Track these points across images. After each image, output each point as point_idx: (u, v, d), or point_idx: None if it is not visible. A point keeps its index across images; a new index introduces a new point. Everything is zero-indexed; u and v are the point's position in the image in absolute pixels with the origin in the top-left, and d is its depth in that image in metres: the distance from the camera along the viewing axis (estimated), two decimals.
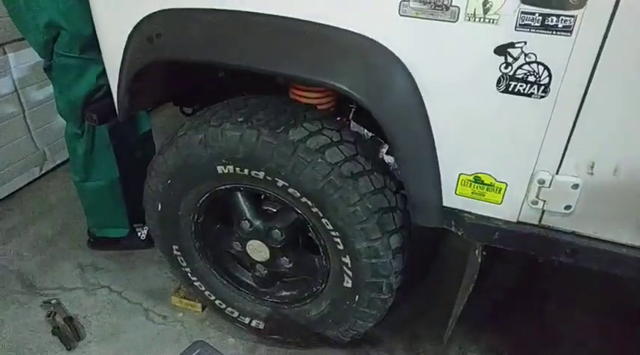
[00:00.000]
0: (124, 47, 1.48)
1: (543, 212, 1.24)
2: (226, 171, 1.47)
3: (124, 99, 1.61)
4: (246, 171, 1.44)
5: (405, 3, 1.10)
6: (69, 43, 1.78)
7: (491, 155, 1.22)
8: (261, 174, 1.42)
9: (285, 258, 1.68)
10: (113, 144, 2.09)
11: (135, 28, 1.43)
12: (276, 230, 1.60)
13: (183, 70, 1.70)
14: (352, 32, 1.18)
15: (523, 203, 1.25)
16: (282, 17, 1.23)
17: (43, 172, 2.98)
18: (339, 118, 1.68)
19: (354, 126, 1.69)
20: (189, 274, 1.88)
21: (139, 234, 2.37)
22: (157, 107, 2.16)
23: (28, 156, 2.84)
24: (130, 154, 2.19)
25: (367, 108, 1.22)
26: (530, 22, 1.03)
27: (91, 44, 1.71)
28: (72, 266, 2.32)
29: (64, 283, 2.23)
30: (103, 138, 2.06)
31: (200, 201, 1.65)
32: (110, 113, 1.76)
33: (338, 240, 1.47)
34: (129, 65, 1.50)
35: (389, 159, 1.61)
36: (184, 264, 1.86)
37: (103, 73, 1.72)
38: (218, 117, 1.46)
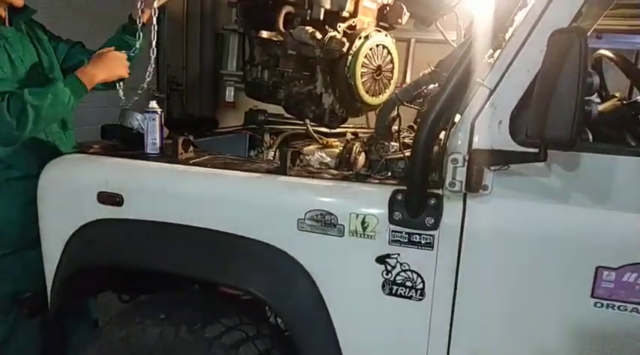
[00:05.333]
0: (62, 250, 1.62)
1: None
2: None
3: (57, 297, 1.70)
4: None
5: (302, 220, 1.33)
6: None
7: (389, 352, 1.34)
8: None
9: None
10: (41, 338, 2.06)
11: (74, 233, 1.59)
12: None
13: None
14: (261, 242, 1.38)
15: None
16: (204, 229, 1.43)
17: None
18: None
19: None
20: None
21: None
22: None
23: None
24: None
25: (273, 310, 1.36)
26: (399, 239, 1.26)
27: None
28: None
29: None
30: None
31: None
32: (42, 308, 1.82)
33: None
34: (65, 266, 1.63)
35: None
36: None
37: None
38: (142, 313, 1.55)
